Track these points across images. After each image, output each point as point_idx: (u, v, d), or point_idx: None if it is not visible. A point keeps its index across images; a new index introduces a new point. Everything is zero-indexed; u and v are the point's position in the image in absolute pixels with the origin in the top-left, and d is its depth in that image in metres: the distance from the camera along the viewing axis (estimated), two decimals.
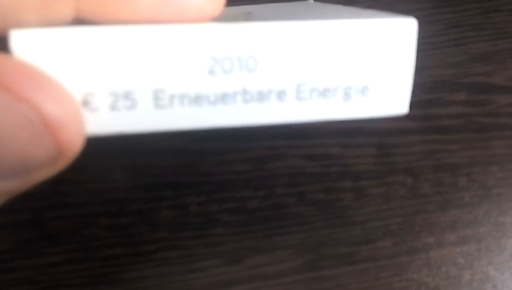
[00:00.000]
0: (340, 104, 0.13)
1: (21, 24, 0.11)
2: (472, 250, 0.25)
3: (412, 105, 0.28)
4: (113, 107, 0.12)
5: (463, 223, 0.25)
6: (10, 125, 0.10)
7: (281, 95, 0.13)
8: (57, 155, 0.10)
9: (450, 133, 0.27)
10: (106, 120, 0.12)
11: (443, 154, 0.27)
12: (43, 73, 0.11)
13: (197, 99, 0.12)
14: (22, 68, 0.10)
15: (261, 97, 0.13)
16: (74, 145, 0.10)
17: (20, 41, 0.12)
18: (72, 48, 0.12)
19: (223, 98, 0.12)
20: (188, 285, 0.24)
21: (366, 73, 0.13)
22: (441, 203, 0.26)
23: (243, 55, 0.12)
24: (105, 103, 0.12)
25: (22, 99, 0.10)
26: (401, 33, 0.13)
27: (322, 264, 0.24)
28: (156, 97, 0.12)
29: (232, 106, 0.12)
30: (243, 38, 0.12)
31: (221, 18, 0.13)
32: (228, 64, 0.12)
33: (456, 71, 0.29)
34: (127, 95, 0.12)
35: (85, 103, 0.11)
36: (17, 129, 0.10)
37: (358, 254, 0.24)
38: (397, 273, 0.24)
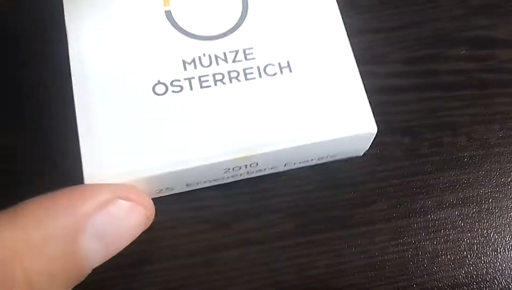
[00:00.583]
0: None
1: None
2: (472, 213, 0.24)
3: (411, 60, 0.27)
4: None
5: (462, 185, 0.24)
6: (131, 218, 0.18)
7: None
8: (147, 223, 0.18)
9: (450, 90, 0.26)
10: None
11: (443, 112, 0.25)
12: (137, 188, 0.18)
13: None
14: (131, 187, 0.18)
15: None
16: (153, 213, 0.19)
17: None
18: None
19: None
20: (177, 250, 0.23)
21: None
22: (440, 164, 0.24)
23: None
24: None
25: (137, 202, 0.18)
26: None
27: (314, 229, 0.23)
28: None
29: None
30: None
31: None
32: None
33: (456, 24, 0.27)
34: None
35: None
36: (134, 219, 0.18)
37: (351, 218, 0.23)
38: (393, 237, 0.23)
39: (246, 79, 0.20)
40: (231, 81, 0.20)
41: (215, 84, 0.20)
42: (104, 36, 0.20)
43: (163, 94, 0.20)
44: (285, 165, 0.22)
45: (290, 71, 0.20)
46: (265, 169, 0.21)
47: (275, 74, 0.20)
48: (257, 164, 0.20)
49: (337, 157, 0.22)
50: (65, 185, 0.17)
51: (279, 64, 0.20)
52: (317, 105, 0.20)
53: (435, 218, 0.23)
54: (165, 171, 0.19)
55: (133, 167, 0.18)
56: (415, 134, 0.25)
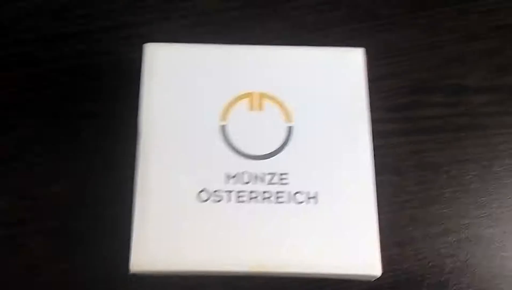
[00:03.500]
0: None
1: None
2: (453, 241, 0.27)
3: (393, 108, 0.30)
4: None
5: (444, 217, 0.28)
6: None
7: None
8: None
9: (430, 133, 0.29)
10: None
11: (424, 153, 0.29)
12: None
13: None
14: None
15: None
16: None
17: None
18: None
19: None
20: None
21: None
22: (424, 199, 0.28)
23: None
24: None
25: None
26: None
27: None
28: None
29: None
30: None
31: None
32: None
33: (432, 74, 0.31)
34: None
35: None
36: None
37: None
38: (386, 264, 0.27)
39: (276, 201, 0.23)
40: (263, 201, 0.23)
41: (249, 201, 0.23)
42: (167, 141, 0.23)
43: (205, 201, 0.23)
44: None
45: (316, 202, 0.23)
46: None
47: (302, 202, 0.23)
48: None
49: None
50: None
51: (308, 193, 0.23)
52: (332, 240, 0.22)
53: (422, 246, 0.27)
54: (194, 270, 0.22)
55: (170, 260, 0.22)
56: (402, 173, 0.28)
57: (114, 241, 0.25)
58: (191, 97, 0.24)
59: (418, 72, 0.31)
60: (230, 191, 0.23)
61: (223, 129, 0.24)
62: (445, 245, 0.28)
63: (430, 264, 0.27)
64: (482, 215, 0.28)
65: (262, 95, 0.24)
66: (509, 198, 0.28)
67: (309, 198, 0.23)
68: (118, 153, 0.27)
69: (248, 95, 0.24)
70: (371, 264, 0.22)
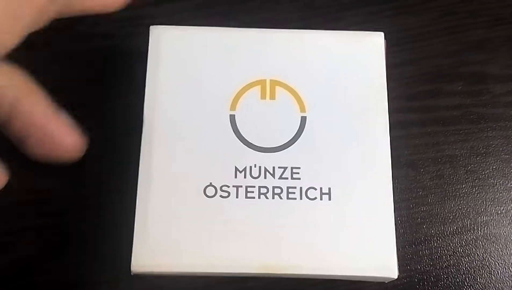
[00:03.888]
0: None
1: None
2: (470, 239, 0.26)
3: (412, 96, 0.29)
4: None
5: (461, 214, 0.27)
6: None
7: None
8: None
9: (449, 124, 0.28)
10: None
11: (441, 146, 0.28)
12: None
13: None
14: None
15: None
16: None
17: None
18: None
19: None
20: None
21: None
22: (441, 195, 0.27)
23: None
24: None
25: None
26: None
27: None
28: None
29: None
30: None
31: None
32: None
33: (453, 60, 0.29)
34: None
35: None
36: None
37: None
38: (401, 264, 0.25)
39: (287, 197, 0.21)
40: (273, 197, 0.21)
41: (259, 197, 0.21)
42: (172, 132, 0.22)
43: (212, 197, 0.21)
44: None
45: (329, 199, 0.21)
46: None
47: (315, 198, 0.21)
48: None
49: None
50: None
51: (321, 189, 0.21)
52: (347, 239, 0.21)
53: (437, 245, 0.26)
54: (199, 272, 0.21)
55: (173, 261, 0.20)
56: (418, 167, 0.27)
57: (114, 239, 0.24)
58: (198, 84, 0.22)
59: (437, 58, 0.29)
60: (239, 186, 0.21)
61: (232, 119, 0.22)
62: (461, 243, 0.26)
63: (445, 264, 0.26)
64: (500, 212, 0.27)
65: (274, 83, 0.22)
66: None
67: (323, 194, 0.21)
68: (120, 145, 0.26)
69: (259, 82, 0.22)
70: (387, 266, 0.21)
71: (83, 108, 0.26)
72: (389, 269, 0.21)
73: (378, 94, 0.23)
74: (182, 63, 0.23)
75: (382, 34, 0.23)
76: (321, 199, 0.21)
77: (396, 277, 0.21)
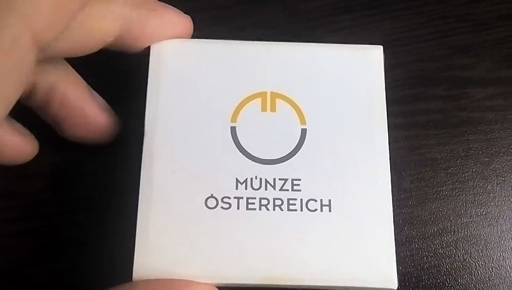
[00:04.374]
0: None
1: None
2: (451, 241, 0.27)
3: (398, 100, 0.29)
4: None
5: (442, 216, 0.27)
6: None
7: None
8: None
9: (429, 128, 0.28)
10: None
11: (422, 149, 0.28)
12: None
13: None
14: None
15: None
16: None
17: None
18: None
19: None
20: None
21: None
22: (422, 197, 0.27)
23: None
24: None
25: None
26: None
27: None
28: None
29: None
30: None
31: None
32: None
33: (439, 64, 0.30)
34: None
35: None
36: None
37: None
38: None
39: (288, 209, 0.21)
40: (274, 209, 0.21)
41: (260, 209, 0.21)
42: (173, 142, 0.22)
43: (213, 208, 0.21)
44: None
45: (330, 210, 0.21)
46: None
47: (315, 210, 0.21)
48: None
49: None
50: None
51: (321, 201, 0.21)
52: (347, 251, 0.21)
53: (418, 247, 0.26)
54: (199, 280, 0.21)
55: (174, 272, 0.20)
56: (400, 170, 0.27)
57: (115, 246, 0.23)
58: (199, 96, 0.23)
59: (422, 62, 0.30)
60: (240, 198, 0.21)
61: (233, 131, 0.22)
62: (442, 245, 0.27)
63: (426, 265, 0.26)
64: (480, 214, 0.27)
65: (275, 95, 0.23)
66: (509, 196, 0.28)
67: (323, 206, 0.22)
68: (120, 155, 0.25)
69: (260, 95, 0.23)
70: (387, 277, 0.21)
71: None
72: (389, 280, 0.21)
73: (377, 106, 0.23)
74: (183, 75, 0.23)
75: (381, 47, 0.24)
76: (321, 210, 0.21)
77: (395, 288, 0.21)
